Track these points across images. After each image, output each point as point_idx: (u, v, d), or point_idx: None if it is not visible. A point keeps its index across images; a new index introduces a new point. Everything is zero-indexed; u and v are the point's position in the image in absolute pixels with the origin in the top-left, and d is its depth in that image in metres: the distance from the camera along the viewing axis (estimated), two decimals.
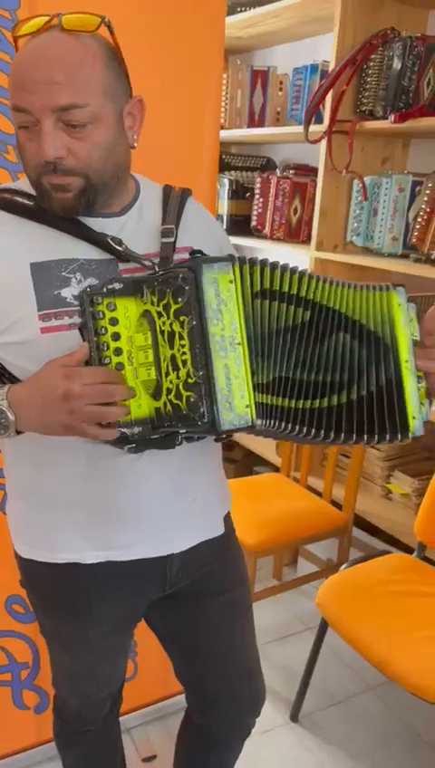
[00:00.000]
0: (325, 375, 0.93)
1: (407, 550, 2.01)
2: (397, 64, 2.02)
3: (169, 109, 1.43)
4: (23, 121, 0.91)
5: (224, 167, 2.92)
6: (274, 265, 0.91)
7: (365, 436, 0.94)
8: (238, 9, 2.56)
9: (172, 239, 1.04)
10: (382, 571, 1.82)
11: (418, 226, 2.03)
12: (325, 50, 2.27)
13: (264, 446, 2.71)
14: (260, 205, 2.61)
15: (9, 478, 1.10)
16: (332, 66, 2.14)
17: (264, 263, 0.91)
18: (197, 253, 0.95)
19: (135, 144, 1.00)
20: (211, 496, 1.15)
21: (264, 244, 2.60)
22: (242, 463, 3.04)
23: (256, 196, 2.62)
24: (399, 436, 0.95)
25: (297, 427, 0.91)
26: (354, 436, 0.93)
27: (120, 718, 1.46)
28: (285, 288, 0.92)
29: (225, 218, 2.76)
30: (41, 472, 1.05)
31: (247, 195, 2.72)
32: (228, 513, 1.22)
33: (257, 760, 1.78)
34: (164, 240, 1.04)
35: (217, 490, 1.17)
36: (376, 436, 0.94)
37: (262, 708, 1.29)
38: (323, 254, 2.29)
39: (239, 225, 2.74)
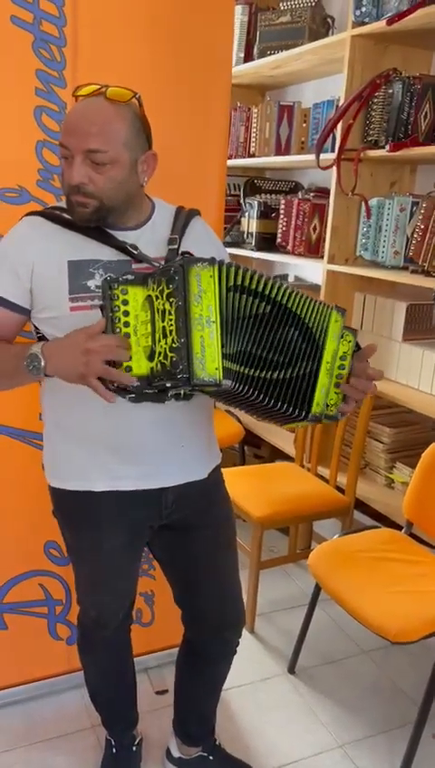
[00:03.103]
0: (273, 354, 1.23)
1: None
2: (397, 100, 2.31)
3: (183, 144, 1.76)
4: (64, 154, 1.27)
5: (255, 190, 3.25)
6: (245, 269, 1.22)
7: (283, 406, 1.22)
8: (268, 52, 2.91)
9: (176, 246, 1.36)
10: (370, 541, 2.07)
11: (414, 242, 2.30)
12: (339, 87, 2.57)
13: (284, 442, 2.99)
14: (284, 224, 2.92)
15: (45, 419, 1.44)
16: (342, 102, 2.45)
17: (237, 266, 1.21)
18: (187, 253, 1.27)
19: (144, 183, 1.33)
20: (196, 448, 1.44)
21: (287, 258, 2.91)
22: (268, 459, 3.33)
23: (281, 216, 2.93)
24: (302, 413, 1.23)
25: (245, 388, 1.19)
26: (278, 403, 1.21)
27: (138, 659, 1.76)
28: (253, 286, 1.22)
29: (254, 236, 3.08)
30: (67, 412, 1.37)
31: (273, 215, 3.03)
32: (217, 467, 1.52)
33: (257, 700, 2.06)
34: (170, 247, 1.36)
35: (202, 444, 1.46)
36: (289, 408, 1.22)
37: (242, 630, 1.58)
38: (334, 266, 2.57)
39: (267, 241, 3.05)
